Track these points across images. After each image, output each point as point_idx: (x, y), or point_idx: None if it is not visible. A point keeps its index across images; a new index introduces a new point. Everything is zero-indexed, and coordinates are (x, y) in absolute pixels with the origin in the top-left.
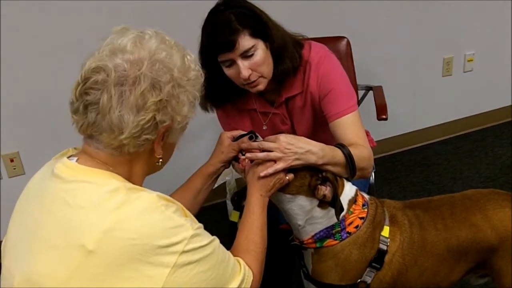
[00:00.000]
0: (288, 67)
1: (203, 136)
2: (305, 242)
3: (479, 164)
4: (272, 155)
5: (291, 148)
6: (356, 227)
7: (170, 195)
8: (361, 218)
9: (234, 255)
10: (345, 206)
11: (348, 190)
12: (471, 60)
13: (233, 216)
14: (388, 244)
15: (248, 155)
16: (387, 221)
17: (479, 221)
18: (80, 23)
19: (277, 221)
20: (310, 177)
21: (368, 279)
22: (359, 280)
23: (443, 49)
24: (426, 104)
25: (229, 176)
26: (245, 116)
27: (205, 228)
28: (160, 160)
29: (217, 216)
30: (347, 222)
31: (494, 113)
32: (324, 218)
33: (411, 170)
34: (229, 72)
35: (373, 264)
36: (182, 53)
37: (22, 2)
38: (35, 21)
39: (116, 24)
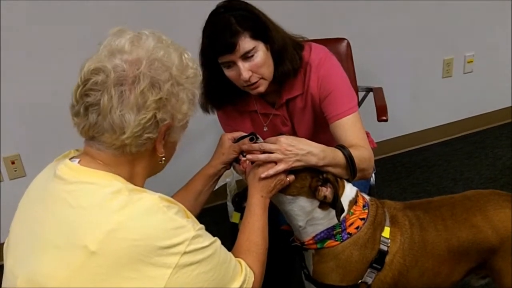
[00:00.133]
0: (289, 68)
1: (204, 137)
2: (306, 243)
3: (480, 165)
4: (273, 156)
5: (292, 149)
6: (357, 228)
7: (172, 197)
8: (361, 219)
9: (236, 256)
10: (345, 207)
11: (349, 191)
12: (471, 62)
13: (234, 217)
14: (389, 244)
15: (249, 156)
16: (387, 222)
17: (479, 221)
18: (81, 25)
19: (278, 222)
20: (310, 178)
21: (369, 280)
22: (360, 281)
23: (443, 51)
24: (426, 105)
25: (229, 177)
26: (246, 117)
27: (206, 230)
28: (163, 158)
29: (217, 217)
30: (348, 223)
31: (494, 114)
32: (325, 219)
33: (411, 172)
34: (229, 73)
35: (374, 265)
36: (179, 52)
37: (22, 2)
38: (36, 22)
39: (116, 26)
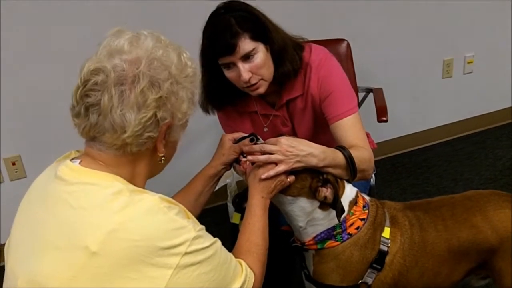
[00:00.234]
0: (289, 69)
1: (204, 138)
2: (306, 243)
3: (480, 165)
4: (274, 157)
5: (293, 150)
6: (357, 228)
7: (172, 197)
8: (362, 219)
9: (236, 257)
10: (346, 207)
11: (349, 192)
12: (471, 62)
13: (235, 218)
14: (389, 245)
15: (249, 157)
16: (387, 222)
17: (479, 222)
18: (82, 27)
19: (278, 223)
20: (311, 179)
21: (369, 280)
22: (360, 281)
23: (443, 51)
24: (426, 106)
25: (230, 178)
26: (246, 118)
27: (206, 230)
28: (163, 158)
29: (218, 218)
30: (348, 223)
31: (494, 114)
32: (325, 220)
33: (411, 172)
34: (229, 75)
35: (374, 265)
36: (178, 51)
37: (22, 2)
38: (36, 23)
39: (117, 26)
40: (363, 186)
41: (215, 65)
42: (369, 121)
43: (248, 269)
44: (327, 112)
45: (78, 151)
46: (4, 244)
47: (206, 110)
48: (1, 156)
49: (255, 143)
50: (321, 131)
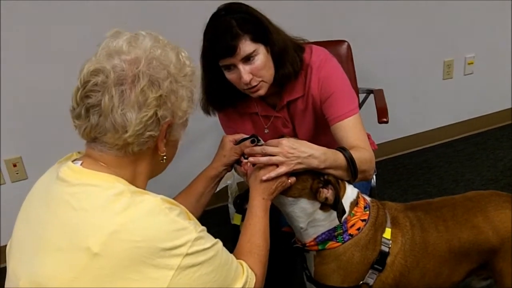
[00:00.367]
0: (289, 71)
1: (205, 139)
2: (307, 244)
3: (480, 166)
4: (275, 159)
5: (294, 152)
6: (358, 229)
7: (173, 199)
8: (363, 220)
9: (237, 258)
10: (347, 208)
11: (350, 193)
12: (472, 63)
13: (236, 219)
14: (390, 246)
15: (250, 159)
16: (388, 223)
17: (480, 222)
18: (82, 27)
19: (279, 224)
20: (312, 180)
21: (370, 281)
22: (361, 282)
23: (443, 52)
24: (427, 107)
25: (230, 179)
26: (247, 119)
27: (207, 232)
28: (164, 157)
29: (219, 219)
30: (349, 224)
31: (495, 115)
32: (326, 221)
33: (412, 173)
34: (230, 76)
35: (375, 266)
36: (176, 51)
37: (22, 2)
38: (36, 23)
39: (117, 26)
40: (364, 187)
41: (215, 66)
42: (370, 122)
43: (249, 270)
44: (327, 113)
45: (79, 152)
46: (5, 246)
47: (207, 111)
48: (2, 158)
49: (256, 145)
50: (321, 132)
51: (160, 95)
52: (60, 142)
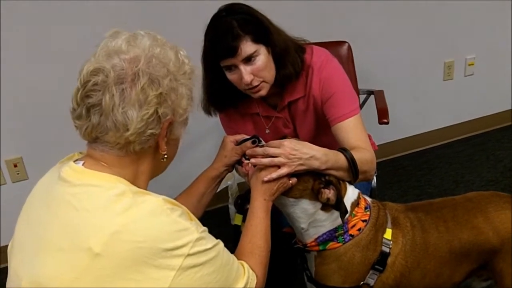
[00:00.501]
0: (290, 71)
1: (206, 140)
2: (308, 245)
3: (481, 167)
4: (276, 160)
5: (296, 153)
6: (359, 229)
7: (174, 199)
8: (363, 220)
9: (238, 259)
10: (348, 209)
11: (351, 193)
12: (472, 64)
13: (236, 219)
14: (391, 246)
15: (252, 160)
16: (389, 224)
17: (480, 223)
18: (82, 27)
19: (280, 225)
20: (313, 181)
21: (371, 282)
22: (362, 283)
23: (444, 53)
24: (427, 108)
25: (231, 180)
26: (248, 120)
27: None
28: (165, 156)
29: (219, 220)
30: (350, 224)
31: (495, 117)
32: (327, 221)
33: (412, 174)
34: (231, 77)
35: (376, 266)
36: (174, 50)
37: (22, 2)
38: (36, 23)
39: (117, 26)
40: (365, 188)
41: (217, 67)
42: (370, 123)
43: (251, 270)
44: (328, 113)
45: (81, 152)
46: (5, 246)
47: (208, 112)
48: (3, 158)
49: (257, 145)
50: (322, 132)
51: (161, 93)
52: (60, 142)
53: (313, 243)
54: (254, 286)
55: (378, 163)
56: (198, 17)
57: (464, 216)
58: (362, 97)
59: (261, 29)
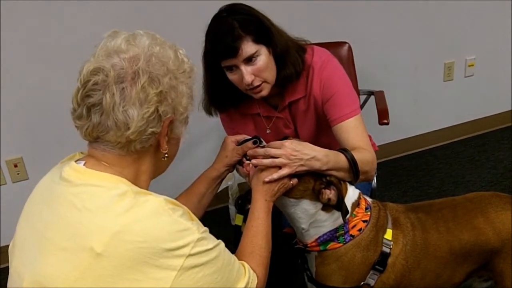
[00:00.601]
0: (291, 72)
1: (207, 140)
2: (309, 245)
3: (481, 168)
4: (277, 161)
5: (297, 154)
6: (360, 230)
7: (175, 199)
8: (364, 221)
9: (239, 259)
10: (348, 209)
11: (351, 194)
12: (472, 65)
13: (237, 219)
14: (391, 247)
15: (253, 161)
16: (390, 224)
17: (481, 223)
18: (83, 29)
19: (281, 225)
20: (314, 181)
21: (372, 282)
22: (362, 283)
23: (444, 54)
24: (428, 109)
25: (231, 181)
26: (249, 120)
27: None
28: (166, 155)
29: (219, 220)
30: (351, 225)
31: (495, 117)
32: (328, 221)
33: (412, 175)
34: (232, 77)
35: (376, 266)
36: (173, 48)
37: (22, 2)
38: (36, 24)
39: (117, 27)
40: (365, 188)
41: (217, 67)
42: (371, 124)
43: (251, 271)
44: (329, 113)
45: (82, 152)
46: (5, 246)
47: (209, 112)
48: (3, 158)
49: (258, 146)
50: (323, 132)
51: (161, 91)
52: (61, 142)
53: (313, 244)
54: (255, 286)
55: (378, 164)
56: (198, 17)
57: (465, 217)
58: (362, 97)
59: (262, 30)
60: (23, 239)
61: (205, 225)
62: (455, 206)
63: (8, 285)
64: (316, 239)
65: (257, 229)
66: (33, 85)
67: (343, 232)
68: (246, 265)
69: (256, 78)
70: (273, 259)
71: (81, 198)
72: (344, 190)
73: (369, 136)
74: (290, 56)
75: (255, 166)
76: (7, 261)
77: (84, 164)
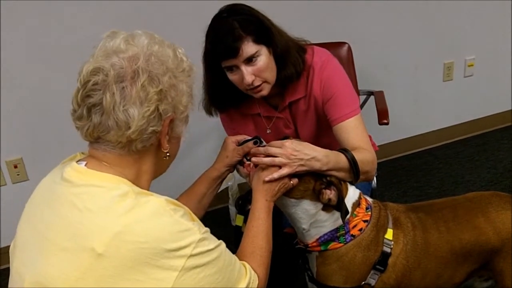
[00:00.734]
0: (292, 72)
1: (207, 141)
2: (309, 245)
3: (481, 168)
4: (278, 160)
5: (297, 154)
6: (360, 230)
7: (175, 199)
8: (365, 221)
9: (240, 259)
10: (349, 209)
11: (352, 194)
12: (472, 65)
13: (237, 220)
14: (392, 246)
15: (253, 159)
16: (390, 224)
17: (481, 223)
18: (83, 29)
19: (281, 225)
20: (314, 182)
21: (372, 282)
22: (363, 283)
23: (443, 54)
24: (427, 108)
25: (231, 181)
26: (249, 120)
27: None
28: (167, 154)
29: (219, 221)
30: (351, 225)
31: (495, 117)
32: (329, 221)
33: (412, 175)
34: (232, 77)
35: (377, 266)
36: (172, 47)
37: (22, 2)
38: (36, 24)
39: (117, 27)
40: (365, 188)
41: (218, 67)
42: (370, 124)
43: (252, 271)
44: (329, 114)
45: (83, 153)
46: (6, 247)
47: (209, 112)
48: (3, 159)
49: (259, 146)
50: (323, 133)
51: (161, 90)
52: (61, 143)
53: (314, 244)
54: (256, 286)
55: (378, 164)
56: (198, 17)
57: (465, 217)
58: (362, 98)
59: (262, 30)
60: (24, 240)
61: (205, 226)
62: (456, 206)
63: (9, 285)
64: (317, 239)
65: (258, 229)
66: (33, 85)
67: (343, 232)
68: (247, 265)
69: (256, 78)
70: (274, 259)
71: (82, 198)
72: (345, 190)
73: (369, 136)
74: (290, 56)
75: (256, 166)
76: (8, 262)
77: (85, 165)
